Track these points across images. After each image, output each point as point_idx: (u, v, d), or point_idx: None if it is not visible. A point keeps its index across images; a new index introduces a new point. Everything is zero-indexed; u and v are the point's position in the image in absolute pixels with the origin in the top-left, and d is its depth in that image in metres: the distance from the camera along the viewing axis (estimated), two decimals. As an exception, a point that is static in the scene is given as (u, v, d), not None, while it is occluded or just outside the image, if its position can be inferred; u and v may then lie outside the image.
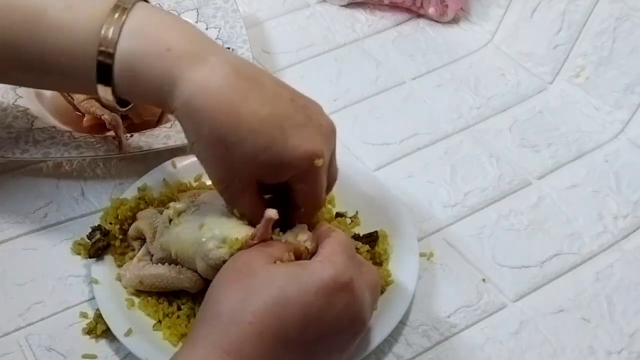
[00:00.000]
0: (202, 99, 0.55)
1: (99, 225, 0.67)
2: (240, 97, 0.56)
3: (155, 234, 0.63)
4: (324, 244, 0.56)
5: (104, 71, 0.58)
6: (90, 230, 0.67)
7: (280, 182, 0.58)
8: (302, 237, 0.59)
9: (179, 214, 0.62)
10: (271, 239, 0.58)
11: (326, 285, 0.52)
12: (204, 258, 0.59)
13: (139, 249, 0.65)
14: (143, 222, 0.65)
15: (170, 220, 0.62)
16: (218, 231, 0.59)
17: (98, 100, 0.71)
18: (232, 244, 0.58)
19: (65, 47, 0.58)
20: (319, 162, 0.57)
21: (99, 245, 0.66)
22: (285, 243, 0.58)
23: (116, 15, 0.57)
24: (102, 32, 0.57)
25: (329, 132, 0.59)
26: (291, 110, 0.57)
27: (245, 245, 0.57)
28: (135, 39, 0.57)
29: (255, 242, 0.57)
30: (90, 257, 0.66)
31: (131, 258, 0.65)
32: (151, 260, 0.63)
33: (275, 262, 0.54)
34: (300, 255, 0.57)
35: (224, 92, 0.56)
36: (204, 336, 0.50)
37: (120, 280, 0.64)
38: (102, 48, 0.57)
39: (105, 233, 0.66)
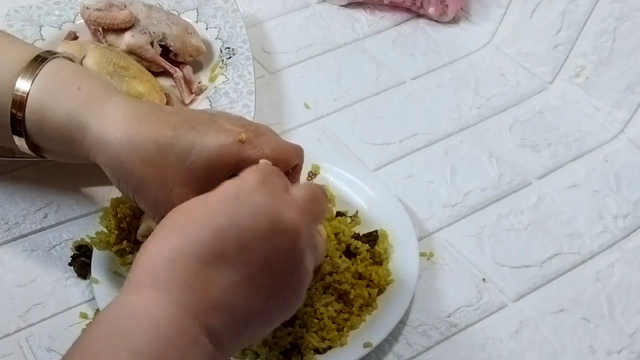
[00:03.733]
0: (114, 129, 0.57)
1: (78, 245, 0.68)
2: (147, 116, 0.58)
3: None
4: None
5: (16, 121, 0.60)
6: (72, 252, 0.68)
7: (224, 175, 0.57)
8: None
9: None
10: None
11: (229, 193, 0.50)
12: None
13: None
14: (153, 222, 0.64)
15: None
16: None
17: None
18: None
19: None
20: (242, 136, 0.57)
21: (83, 264, 0.67)
22: None
23: (33, 67, 0.60)
24: (17, 82, 0.60)
25: (236, 116, 0.61)
26: (195, 114, 0.60)
27: None
28: (48, 81, 0.60)
29: None
30: (79, 276, 0.67)
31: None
32: None
33: None
34: None
35: (135, 116, 0.58)
36: (128, 281, 0.47)
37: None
38: (15, 99, 0.60)
39: (87, 253, 0.67)
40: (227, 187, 0.51)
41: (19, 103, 0.60)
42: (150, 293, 0.46)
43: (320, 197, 0.55)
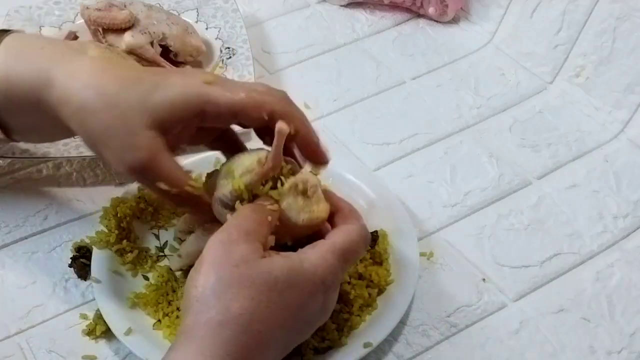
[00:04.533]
0: (78, 79, 0.55)
1: (78, 247, 0.68)
2: (116, 63, 0.57)
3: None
4: (333, 231, 0.57)
5: None
6: (72, 253, 0.68)
7: (191, 122, 0.56)
8: (307, 168, 0.58)
9: None
10: (283, 164, 0.56)
11: (315, 286, 0.53)
12: (217, 201, 0.56)
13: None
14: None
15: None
16: (226, 170, 0.57)
17: None
18: (238, 173, 0.55)
19: None
20: (209, 78, 0.56)
21: (83, 265, 0.67)
22: (263, 207, 0.55)
23: None
24: None
25: (211, 73, 0.60)
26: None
27: (256, 175, 0.55)
28: (9, 49, 0.58)
29: (267, 168, 0.55)
30: (79, 277, 0.67)
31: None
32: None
33: (264, 251, 0.53)
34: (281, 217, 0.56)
35: (101, 65, 0.56)
36: (196, 340, 0.50)
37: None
38: None
39: (87, 255, 0.67)
40: (316, 276, 0.53)
41: None
42: None
43: (357, 246, 0.58)
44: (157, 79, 0.55)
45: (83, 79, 0.55)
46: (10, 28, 0.62)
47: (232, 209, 0.56)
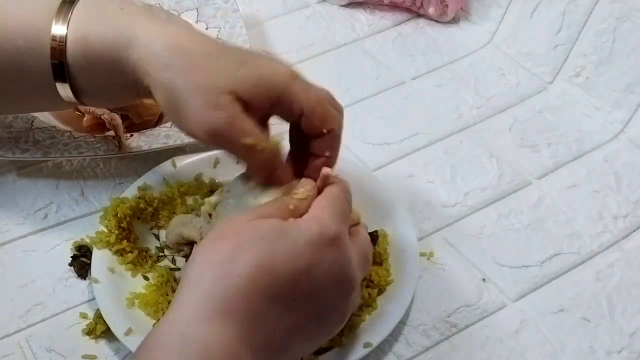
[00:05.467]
0: (162, 40, 0.56)
1: (78, 246, 0.68)
2: (199, 33, 0.58)
3: (202, 235, 0.62)
4: (317, 199, 0.55)
5: (58, 67, 0.59)
6: (72, 252, 0.68)
7: (265, 105, 0.57)
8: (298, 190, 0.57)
9: (215, 206, 0.61)
10: None
11: (313, 240, 0.51)
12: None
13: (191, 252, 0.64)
14: (186, 228, 0.63)
15: (210, 215, 0.61)
16: (246, 203, 0.57)
17: None
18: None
19: (24, 31, 0.59)
20: (294, 72, 0.57)
21: (83, 264, 0.67)
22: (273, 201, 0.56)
23: (63, 10, 0.59)
24: (52, 31, 0.58)
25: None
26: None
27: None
28: (86, 11, 0.59)
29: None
30: (79, 276, 0.67)
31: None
32: None
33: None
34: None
35: (185, 29, 0.57)
36: (188, 298, 0.48)
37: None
38: (54, 44, 0.58)
39: (87, 254, 0.67)
40: (311, 229, 0.51)
41: (59, 50, 0.58)
42: (222, 327, 0.47)
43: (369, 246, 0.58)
44: (245, 56, 0.57)
45: (169, 41, 0.56)
46: None
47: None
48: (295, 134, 0.60)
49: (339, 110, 0.59)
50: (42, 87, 0.61)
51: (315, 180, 0.57)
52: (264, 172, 0.58)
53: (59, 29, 0.58)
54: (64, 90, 0.60)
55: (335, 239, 0.52)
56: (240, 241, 0.49)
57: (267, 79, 0.56)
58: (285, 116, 0.59)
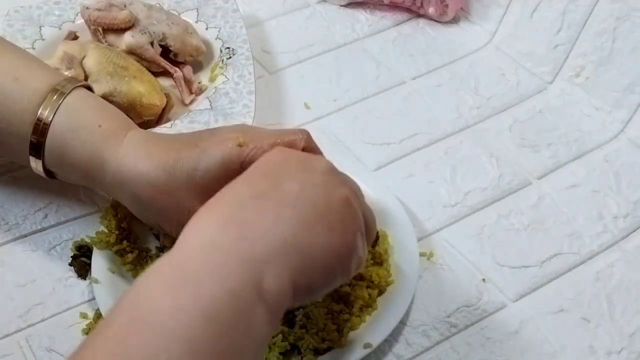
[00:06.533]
0: (127, 167, 0.61)
1: (78, 246, 0.68)
2: (153, 147, 0.62)
3: None
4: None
5: (36, 145, 0.64)
6: (72, 252, 0.68)
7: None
8: None
9: None
10: None
11: (328, 169, 0.54)
12: None
13: None
14: None
15: None
16: None
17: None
18: None
19: (7, 115, 0.64)
20: (240, 140, 0.59)
21: (83, 264, 0.67)
22: None
23: (55, 97, 0.63)
24: (39, 111, 0.63)
25: (238, 124, 0.65)
26: (198, 133, 0.63)
27: None
28: (69, 117, 0.63)
29: None
30: (79, 276, 0.68)
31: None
32: None
33: None
34: None
35: (144, 150, 0.62)
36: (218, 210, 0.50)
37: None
38: (37, 127, 0.63)
39: (87, 254, 0.68)
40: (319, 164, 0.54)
41: (41, 131, 0.63)
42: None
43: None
44: (196, 156, 0.60)
45: (132, 170, 0.61)
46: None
47: None
48: None
49: (298, 131, 0.61)
50: (16, 156, 0.66)
51: None
52: None
53: (45, 115, 0.63)
54: (36, 165, 0.65)
55: (347, 182, 0.55)
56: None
57: (220, 167, 0.59)
58: None
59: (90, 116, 0.64)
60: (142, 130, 0.65)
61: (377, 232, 0.68)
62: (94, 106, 0.66)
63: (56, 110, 0.63)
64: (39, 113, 0.63)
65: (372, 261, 0.67)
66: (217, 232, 0.47)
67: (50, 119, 0.63)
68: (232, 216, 0.48)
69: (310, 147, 0.61)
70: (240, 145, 0.59)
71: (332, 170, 0.55)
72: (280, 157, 0.54)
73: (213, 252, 0.46)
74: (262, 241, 0.47)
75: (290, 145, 0.60)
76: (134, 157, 0.61)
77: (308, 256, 0.49)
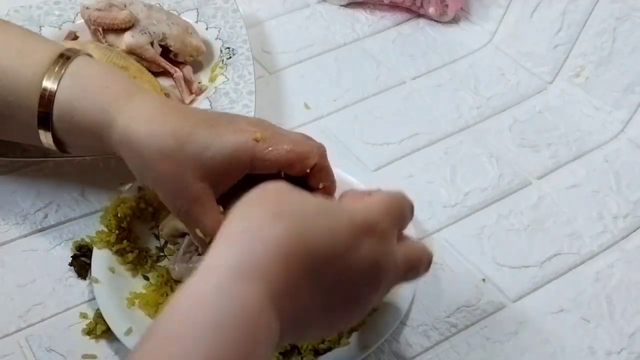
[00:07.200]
0: (137, 124, 0.60)
1: (78, 246, 0.68)
2: (169, 113, 0.60)
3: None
4: (376, 194, 0.55)
5: (44, 117, 0.63)
6: (72, 252, 0.68)
7: (239, 175, 0.59)
8: None
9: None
10: None
11: (355, 224, 0.50)
12: None
13: (183, 244, 0.65)
14: (179, 221, 0.64)
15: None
16: None
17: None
18: None
19: (14, 89, 0.63)
20: (257, 135, 0.59)
21: (83, 264, 0.67)
22: None
23: (58, 66, 0.63)
24: (44, 82, 0.62)
25: (258, 119, 0.64)
26: (217, 115, 0.63)
27: None
28: (75, 81, 0.62)
29: None
30: (79, 276, 0.68)
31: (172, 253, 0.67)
32: (196, 251, 0.64)
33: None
34: None
35: (158, 112, 0.60)
36: (224, 256, 0.46)
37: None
38: (43, 98, 0.62)
39: (87, 254, 0.67)
40: (355, 213, 0.51)
41: (47, 101, 0.62)
42: (257, 287, 0.45)
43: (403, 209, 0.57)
44: (210, 136, 0.59)
45: (142, 129, 0.59)
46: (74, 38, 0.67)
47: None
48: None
49: (315, 145, 0.61)
50: (26, 132, 0.65)
51: None
52: None
53: (49, 84, 0.62)
54: (46, 138, 0.64)
55: (377, 230, 0.51)
56: (282, 209, 0.48)
57: (231, 155, 0.59)
58: (268, 173, 0.60)
59: (97, 79, 0.63)
60: (157, 95, 0.64)
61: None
62: (99, 70, 0.65)
63: (61, 78, 0.62)
64: (43, 83, 0.62)
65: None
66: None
67: (55, 88, 0.62)
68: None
69: (321, 165, 0.61)
70: (256, 140, 0.59)
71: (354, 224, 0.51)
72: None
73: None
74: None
75: (302, 160, 0.60)
76: (146, 118, 0.60)
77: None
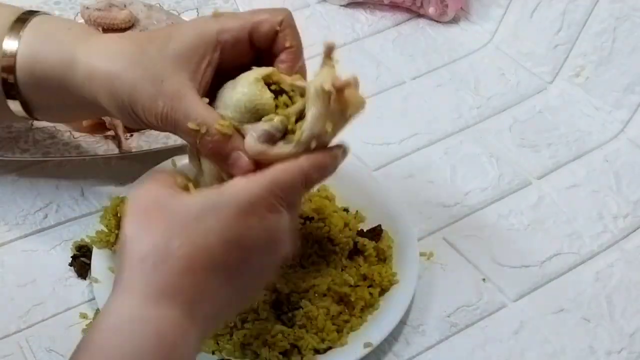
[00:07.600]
0: (97, 52, 0.58)
1: (78, 246, 0.68)
2: (127, 36, 0.62)
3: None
4: (273, 167, 0.54)
5: (10, 84, 0.61)
6: (72, 252, 0.68)
7: (213, 62, 0.58)
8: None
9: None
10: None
11: (241, 207, 0.51)
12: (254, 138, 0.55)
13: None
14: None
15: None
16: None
17: None
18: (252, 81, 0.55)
19: None
20: (217, 12, 0.58)
21: (83, 264, 0.67)
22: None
23: (17, 25, 0.61)
24: (4, 44, 0.60)
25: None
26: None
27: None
28: (36, 30, 0.61)
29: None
30: (79, 276, 0.68)
31: None
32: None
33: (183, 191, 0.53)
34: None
35: (118, 37, 0.61)
36: (132, 282, 0.49)
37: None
38: (5, 60, 0.60)
39: (87, 254, 0.68)
40: (239, 199, 0.51)
41: (9, 64, 0.60)
42: (170, 309, 0.48)
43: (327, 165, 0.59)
44: (170, 31, 0.59)
45: (103, 50, 0.58)
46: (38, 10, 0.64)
47: (281, 138, 0.55)
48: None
49: (277, 12, 0.60)
50: None
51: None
52: (213, 159, 0.56)
53: (10, 45, 0.60)
54: (14, 106, 0.62)
55: (263, 205, 0.51)
56: (171, 224, 0.50)
57: (194, 35, 0.57)
58: (242, 49, 0.59)
59: (58, 24, 0.62)
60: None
61: (380, 226, 0.68)
62: (59, 19, 0.64)
63: (22, 31, 0.60)
64: (3, 45, 0.60)
65: (376, 258, 0.67)
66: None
67: (16, 46, 0.60)
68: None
69: (288, 22, 0.60)
70: (217, 16, 0.58)
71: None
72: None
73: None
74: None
75: (269, 19, 0.59)
76: (106, 45, 0.59)
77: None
